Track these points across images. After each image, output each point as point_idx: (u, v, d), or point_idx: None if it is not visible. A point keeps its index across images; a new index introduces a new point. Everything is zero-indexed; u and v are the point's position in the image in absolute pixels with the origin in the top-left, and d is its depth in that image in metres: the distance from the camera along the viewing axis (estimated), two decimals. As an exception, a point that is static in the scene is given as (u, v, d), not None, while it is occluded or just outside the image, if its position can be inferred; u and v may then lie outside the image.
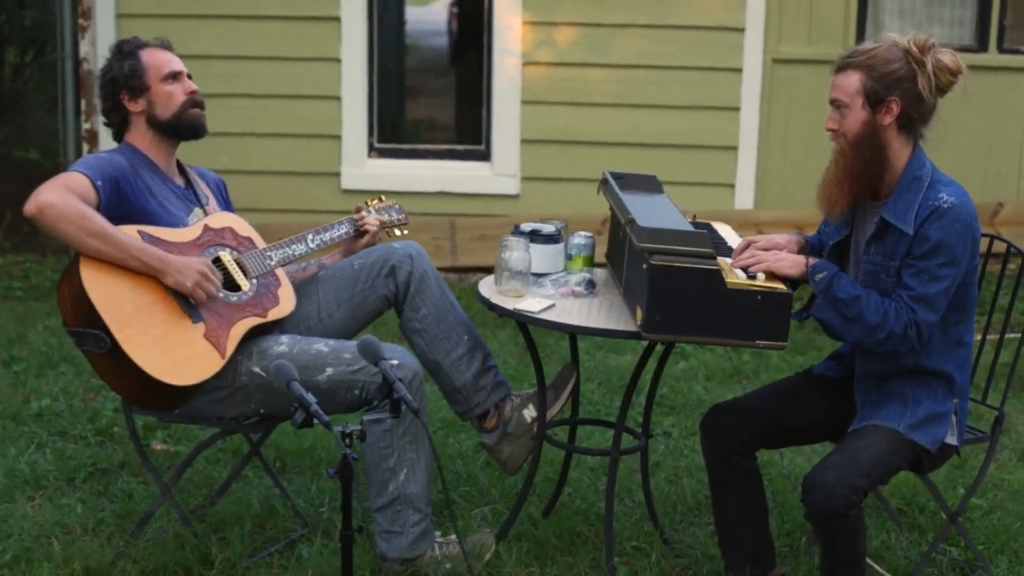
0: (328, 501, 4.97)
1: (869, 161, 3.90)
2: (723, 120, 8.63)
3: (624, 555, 4.62)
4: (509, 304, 4.30)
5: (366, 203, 4.87)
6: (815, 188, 4.05)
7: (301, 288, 4.57)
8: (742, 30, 8.53)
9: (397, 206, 4.95)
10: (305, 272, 4.70)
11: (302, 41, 8.57)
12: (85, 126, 8.69)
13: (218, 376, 4.15)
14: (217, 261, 4.27)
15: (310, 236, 4.57)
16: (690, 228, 4.06)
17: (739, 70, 8.58)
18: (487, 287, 4.50)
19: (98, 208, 4.06)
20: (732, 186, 8.70)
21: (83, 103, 8.72)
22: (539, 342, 5.54)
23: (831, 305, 3.91)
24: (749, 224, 8.25)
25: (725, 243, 4.49)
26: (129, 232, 4.09)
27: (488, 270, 4.67)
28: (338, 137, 8.68)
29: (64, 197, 3.98)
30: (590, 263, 4.66)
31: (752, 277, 3.97)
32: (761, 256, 4.07)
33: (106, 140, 8.22)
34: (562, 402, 4.57)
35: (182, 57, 4.46)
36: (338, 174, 8.70)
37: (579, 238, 4.64)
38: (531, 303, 4.29)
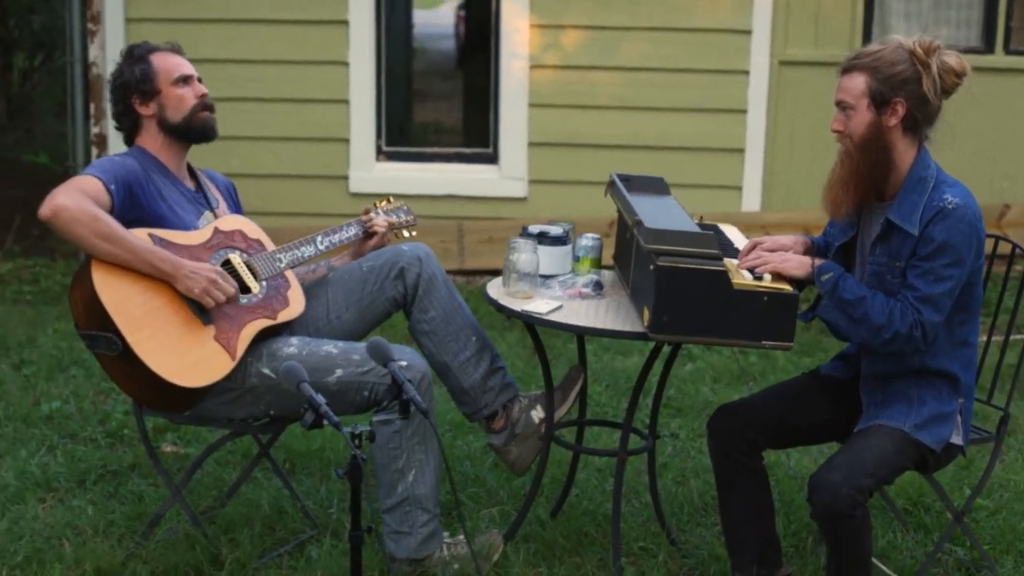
0: (337, 502, 5.00)
1: (874, 162, 3.92)
2: (730, 122, 8.64)
3: (631, 555, 4.64)
4: (517, 305, 4.33)
5: (375, 204, 4.89)
6: (821, 190, 4.08)
7: (310, 290, 4.59)
8: (749, 32, 8.54)
9: (405, 207, 4.97)
10: (314, 274, 4.72)
11: (310, 45, 8.59)
12: (94, 130, 8.72)
13: (228, 378, 4.18)
14: (227, 263, 4.30)
15: (319, 238, 4.59)
16: (697, 229, 4.08)
17: (746, 72, 8.59)
18: (495, 289, 4.52)
19: (111, 211, 4.09)
20: (739, 188, 8.71)
21: (92, 107, 8.74)
22: (547, 344, 5.56)
23: (837, 306, 3.93)
24: (756, 226, 8.25)
25: (732, 244, 4.51)
26: (140, 235, 4.12)
27: (496, 273, 4.69)
28: (346, 140, 8.70)
29: (77, 201, 4.01)
30: (598, 265, 4.68)
31: (758, 278, 3.99)
32: (767, 257, 4.09)
33: (115, 144, 8.28)
34: (570, 403, 4.59)
35: (191, 61, 4.49)
36: (346, 177, 8.72)
37: (587, 240, 4.66)
38: (539, 304, 4.31)
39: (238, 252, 4.37)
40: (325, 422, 3.38)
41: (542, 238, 4.60)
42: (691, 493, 5.15)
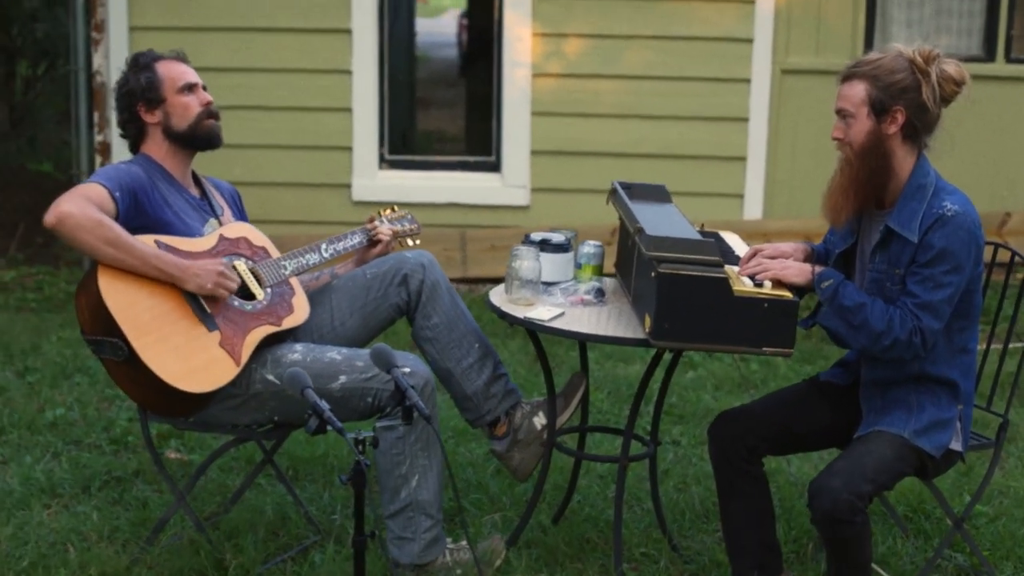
0: (340, 508, 5.02)
1: (874, 170, 3.95)
2: (732, 131, 8.67)
3: (633, 561, 4.66)
4: (519, 312, 4.35)
5: (379, 213, 4.92)
6: (822, 197, 4.11)
7: (314, 297, 4.62)
8: (750, 41, 8.57)
9: (410, 216, 5.00)
10: (318, 281, 4.74)
11: (313, 53, 8.62)
12: (98, 138, 8.74)
13: (233, 384, 4.20)
14: (232, 270, 4.32)
15: (324, 246, 4.62)
16: (698, 237, 4.11)
17: (747, 81, 8.61)
18: (498, 296, 4.54)
19: (116, 218, 4.12)
20: (741, 196, 8.73)
21: (96, 115, 8.77)
22: (549, 352, 5.58)
23: (837, 313, 3.95)
24: (758, 234, 8.27)
25: (732, 252, 4.53)
26: (146, 242, 4.15)
27: (498, 281, 4.70)
28: (349, 149, 8.72)
29: (82, 207, 4.04)
30: (599, 272, 4.70)
31: (759, 285, 4.02)
32: (768, 264, 4.12)
33: (118, 152, 8.29)
34: (572, 410, 4.61)
35: (194, 69, 4.51)
36: (349, 186, 8.74)
37: (588, 247, 4.68)
38: (541, 311, 4.34)
39: (243, 259, 4.40)
40: (329, 428, 3.39)
41: (544, 245, 4.62)
42: (692, 499, 5.17)
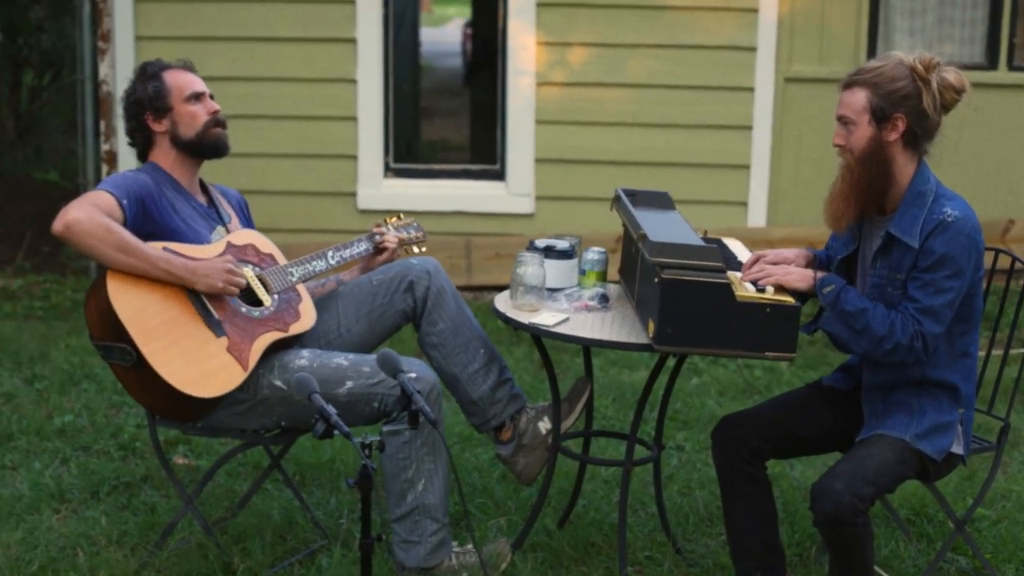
0: (347, 512, 5.05)
1: (875, 176, 3.98)
2: (735, 139, 8.70)
3: (637, 564, 4.69)
4: (524, 318, 4.38)
5: (385, 220, 4.95)
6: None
7: (321, 303, 4.65)
8: (754, 49, 8.60)
9: (415, 224, 5.03)
10: (324, 288, 4.77)
11: (318, 62, 8.65)
12: (104, 147, 8.78)
13: (240, 389, 4.23)
14: (239, 266, 4.35)
15: (330, 253, 4.65)
16: (701, 243, 4.14)
17: (751, 89, 8.65)
18: (503, 302, 4.57)
19: (124, 225, 4.15)
20: (744, 204, 8.76)
21: (102, 124, 8.81)
22: (554, 358, 5.61)
23: (839, 318, 3.98)
24: (762, 242, 8.29)
25: (735, 258, 4.56)
26: (155, 247, 4.19)
27: (503, 288, 4.73)
28: (354, 157, 8.75)
29: (90, 214, 4.08)
30: (603, 278, 4.72)
31: (761, 290, 4.04)
32: (770, 270, 4.14)
33: (125, 161, 8.34)
34: (576, 414, 4.63)
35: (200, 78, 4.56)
36: (354, 194, 8.78)
37: (592, 253, 4.71)
38: (546, 317, 4.37)
39: (251, 266, 4.43)
40: (336, 432, 3.42)
41: (549, 252, 4.64)
42: (696, 504, 5.20)
